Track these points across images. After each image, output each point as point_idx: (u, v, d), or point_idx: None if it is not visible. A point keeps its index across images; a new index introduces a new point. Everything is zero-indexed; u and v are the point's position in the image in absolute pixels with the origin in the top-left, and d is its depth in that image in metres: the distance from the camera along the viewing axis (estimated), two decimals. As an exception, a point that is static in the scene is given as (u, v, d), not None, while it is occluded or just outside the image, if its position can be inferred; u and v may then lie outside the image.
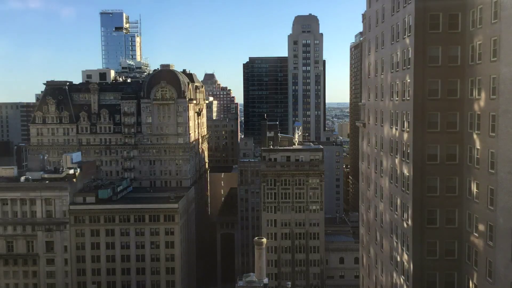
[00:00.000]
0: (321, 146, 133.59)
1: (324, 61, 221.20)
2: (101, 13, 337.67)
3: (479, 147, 40.79)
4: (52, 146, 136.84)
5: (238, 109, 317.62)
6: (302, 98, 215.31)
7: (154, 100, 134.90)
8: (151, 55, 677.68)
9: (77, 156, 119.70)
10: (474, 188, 41.79)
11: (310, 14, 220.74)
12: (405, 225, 48.10)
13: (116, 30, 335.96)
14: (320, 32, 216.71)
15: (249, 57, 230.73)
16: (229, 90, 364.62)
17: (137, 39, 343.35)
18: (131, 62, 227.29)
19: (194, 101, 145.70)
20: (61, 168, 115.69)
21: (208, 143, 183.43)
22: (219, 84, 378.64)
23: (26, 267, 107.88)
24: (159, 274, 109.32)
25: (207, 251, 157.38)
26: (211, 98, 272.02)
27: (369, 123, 64.71)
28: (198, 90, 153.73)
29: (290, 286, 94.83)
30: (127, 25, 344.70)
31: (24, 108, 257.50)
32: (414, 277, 45.81)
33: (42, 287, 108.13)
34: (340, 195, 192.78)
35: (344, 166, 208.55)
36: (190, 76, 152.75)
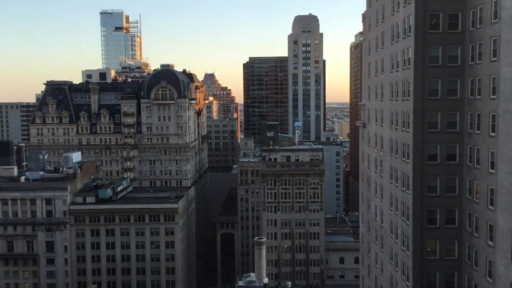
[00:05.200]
0: (321, 146, 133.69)
1: (324, 61, 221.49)
2: (101, 13, 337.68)
3: (479, 147, 40.80)
4: (52, 146, 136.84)
5: (238, 109, 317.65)
6: (302, 98, 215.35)
7: (154, 100, 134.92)
8: (151, 55, 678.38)
9: (77, 156, 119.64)
10: (474, 188, 41.80)
11: (310, 14, 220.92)
12: (405, 225, 48.11)
13: (116, 30, 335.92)
14: (320, 32, 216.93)
15: (249, 57, 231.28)
16: (229, 90, 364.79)
17: (137, 39, 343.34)
18: (131, 62, 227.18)
19: (194, 101, 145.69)
20: (61, 168, 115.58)
21: (208, 143, 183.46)
22: (219, 84, 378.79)
23: (26, 267, 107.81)
24: (159, 274, 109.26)
25: (207, 251, 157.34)
26: (211, 98, 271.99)
27: (369, 123, 64.73)
28: (198, 90, 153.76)
29: (290, 286, 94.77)
30: (127, 25, 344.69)
31: (24, 108, 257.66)
32: (414, 277, 45.82)
33: (42, 287, 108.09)
34: (340, 195, 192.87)
35: (344, 166, 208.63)
36: (190, 76, 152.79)
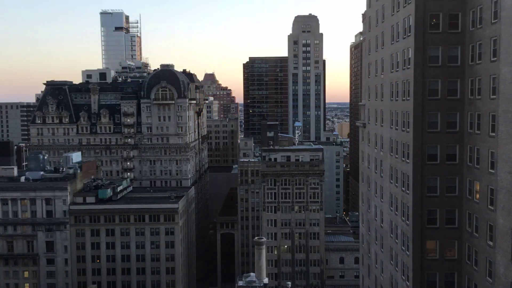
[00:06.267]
0: (321, 146, 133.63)
1: (324, 61, 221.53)
2: (101, 13, 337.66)
3: (479, 147, 40.80)
4: (52, 146, 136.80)
5: (238, 109, 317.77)
6: (302, 98, 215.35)
7: (154, 100, 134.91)
8: (151, 55, 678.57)
9: (77, 156, 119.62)
10: (474, 188, 41.79)
11: (310, 14, 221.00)
12: (405, 225, 48.10)
13: (116, 30, 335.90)
14: (320, 32, 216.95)
15: (249, 57, 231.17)
16: (229, 90, 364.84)
17: (137, 39, 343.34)
18: (131, 62, 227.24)
19: (194, 101, 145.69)
20: (61, 168, 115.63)
21: (208, 143, 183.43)
22: (219, 84, 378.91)
23: (26, 267, 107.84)
24: (159, 274, 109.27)
25: (207, 251, 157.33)
26: (211, 98, 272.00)
27: (369, 123, 64.71)
28: (198, 90, 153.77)
29: (290, 286, 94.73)
30: (127, 25, 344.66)
31: (24, 108, 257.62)
32: (414, 277, 45.82)
33: (42, 287, 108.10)
34: (340, 195, 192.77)
35: (344, 166, 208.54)
36: (190, 76, 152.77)
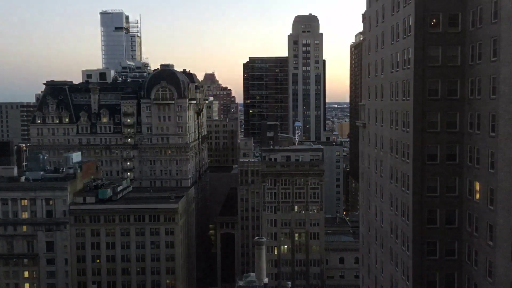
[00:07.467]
0: (321, 146, 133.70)
1: (324, 61, 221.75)
2: (101, 13, 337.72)
3: (479, 147, 40.79)
4: (52, 146, 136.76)
5: (238, 109, 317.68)
6: (302, 98, 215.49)
7: (154, 100, 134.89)
8: (151, 55, 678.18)
9: (77, 156, 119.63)
10: (474, 188, 41.79)
11: (310, 14, 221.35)
12: (405, 225, 48.11)
13: (116, 30, 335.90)
14: (320, 32, 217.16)
15: (249, 57, 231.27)
16: (229, 90, 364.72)
17: (137, 39, 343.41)
18: (131, 62, 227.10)
19: (194, 101, 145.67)
20: (61, 168, 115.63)
21: (208, 143, 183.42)
22: (219, 84, 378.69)
23: (26, 267, 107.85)
24: (159, 274, 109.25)
25: (207, 251, 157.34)
26: (211, 98, 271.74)
27: (369, 123, 64.71)
28: (198, 90, 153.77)
29: (290, 286, 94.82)
30: (127, 25, 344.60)
31: (24, 108, 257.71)
32: (414, 277, 45.81)
33: (42, 287, 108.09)
34: (340, 195, 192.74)
35: (344, 166, 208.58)
36: (190, 76, 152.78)
